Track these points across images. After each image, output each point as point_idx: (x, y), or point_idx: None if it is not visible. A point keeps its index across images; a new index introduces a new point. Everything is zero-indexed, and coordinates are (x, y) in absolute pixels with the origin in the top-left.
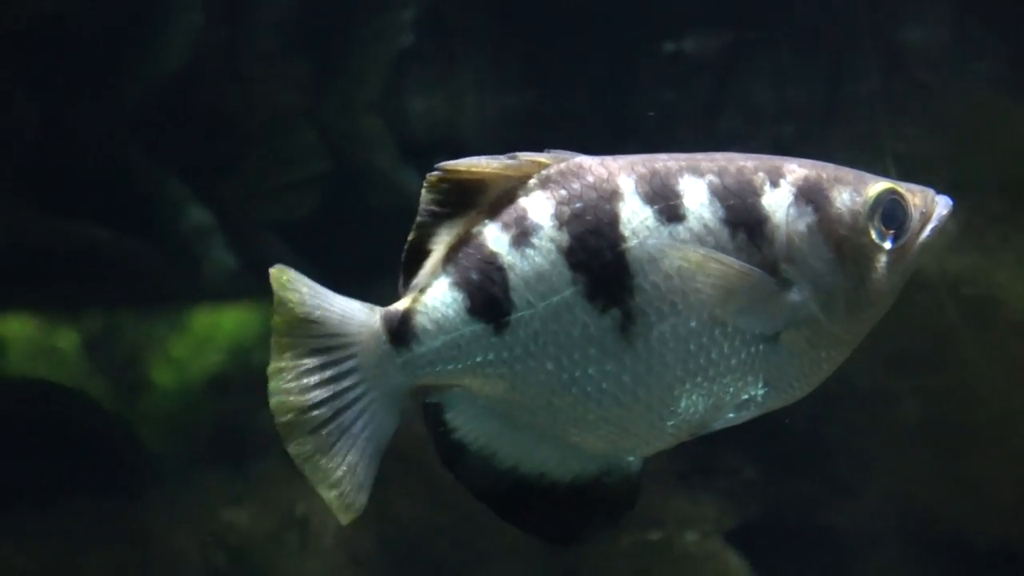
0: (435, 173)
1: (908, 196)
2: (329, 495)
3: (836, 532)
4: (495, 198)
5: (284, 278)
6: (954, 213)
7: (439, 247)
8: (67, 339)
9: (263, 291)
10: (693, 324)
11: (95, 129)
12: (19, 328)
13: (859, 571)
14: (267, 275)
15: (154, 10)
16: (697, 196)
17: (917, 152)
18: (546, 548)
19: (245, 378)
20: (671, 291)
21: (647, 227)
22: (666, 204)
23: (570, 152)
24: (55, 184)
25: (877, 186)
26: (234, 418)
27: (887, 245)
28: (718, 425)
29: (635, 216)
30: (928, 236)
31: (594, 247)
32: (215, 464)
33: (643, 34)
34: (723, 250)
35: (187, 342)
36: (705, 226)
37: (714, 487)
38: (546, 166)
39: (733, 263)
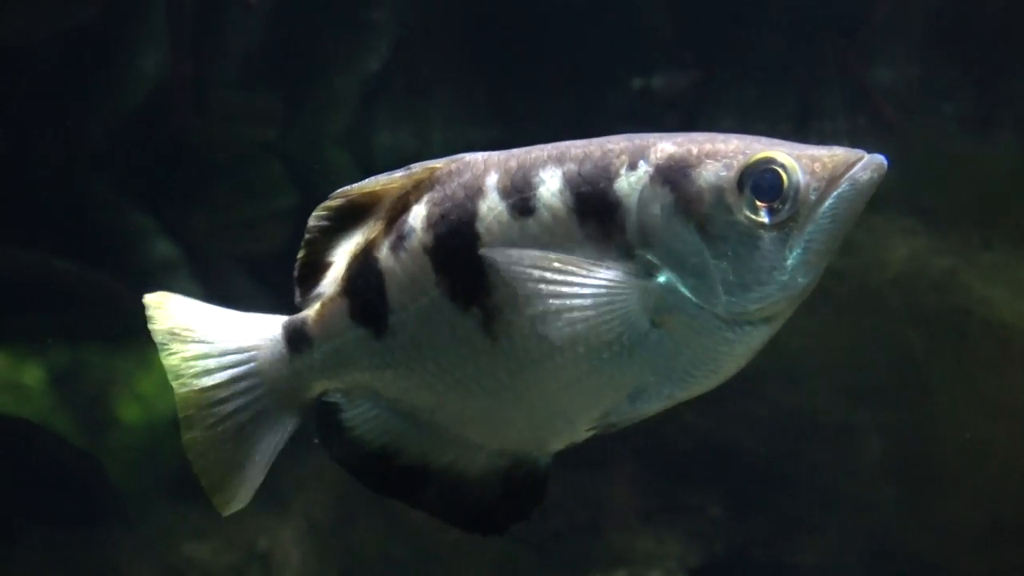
0: (333, 200)
1: (795, 162)
2: (211, 483)
3: (801, 570)
4: (394, 206)
5: (164, 305)
6: (879, 174)
7: (340, 258)
8: (33, 375)
9: None
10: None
11: (62, 162)
12: None
13: None
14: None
15: (120, 42)
16: (551, 187)
17: (886, 189)
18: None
19: None
20: (524, 287)
21: (499, 223)
22: (520, 198)
23: (468, 152)
24: (21, 217)
25: (750, 156)
26: None
27: (765, 219)
28: (624, 418)
29: (490, 212)
30: (832, 203)
31: (453, 246)
32: (179, 499)
33: (613, 70)
34: (571, 240)
35: (153, 379)
36: (554, 217)
37: (678, 525)
38: (437, 169)
39: (564, 259)
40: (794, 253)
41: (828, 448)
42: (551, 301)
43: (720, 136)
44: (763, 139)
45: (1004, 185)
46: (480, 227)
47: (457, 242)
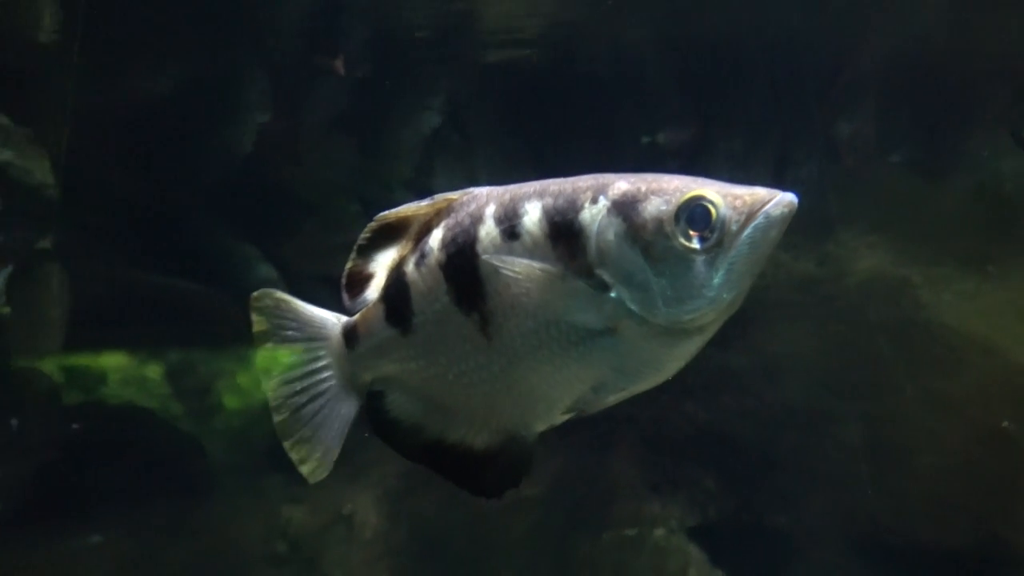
0: (373, 223)
1: (721, 199)
2: (299, 457)
3: (778, 531)
4: (420, 228)
5: (265, 300)
6: (790, 209)
7: (381, 269)
8: (154, 371)
9: None
10: (531, 323)
11: (184, 200)
12: (116, 362)
13: (796, 560)
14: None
15: (230, 105)
16: (532, 216)
17: (854, 221)
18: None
19: None
20: (510, 297)
21: (493, 244)
22: (509, 225)
23: (478, 187)
24: (150, 244)
25: (685, 194)
26: None
27: (696, 245)
28: (590, 406)
29: (487, 236)
30: (750, 233)
31: (459, 263)
32: (276, 471)
33: (628, 127)
34: (546, 260)
35: (250, 374)
36: (534, 241)
37: (679, 494)
38: (453, 200)
39: (547, 269)
40: (719, 273)
41: (802, 433)
42: (531, 290)
43: (666, 176)
44: (699, 179)
45: (950, 217)
46: (479, 248)
47: (462, 260)
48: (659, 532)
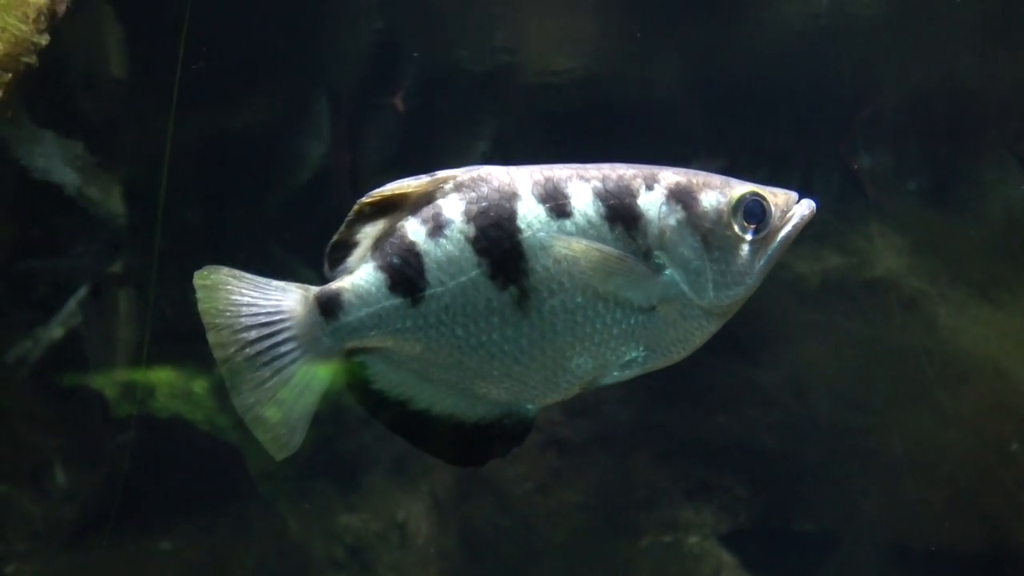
0: (366, 200)
1: (769, 197)
2: (265, 438)
3: (805, 536)
4: (416, 200)
5: (210, 276)
6: (814, 213)
7: (366, 240)
8: (200, 385)
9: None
10: (579, 299)
11: (245, 225)
12: (165, 377)
13: (822, 564)
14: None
15: (296, 137)
16: (583, 197)
17: (872, 248)
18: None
19: (335, 414)
20: (559, 273)
21: (539, 221)
22: (556, 203)
23: (482, 165)
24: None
25: (740, 189)
26: (331, 444)
27: (749, 236)
28: (607, 381)
29: (530, 212)
30: (789, 230)
31: (495, 237)
32: (320, 479)
33: (660, 157)
34: (603, 240)
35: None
36: (588, 221)
37: (712, 501)
38: (456, 176)
39: (609, 250)
40: (760, 263)
41: (826, 445)
42: (586, 269)
43: (701, 172)
44: (732, 179)
45: (964, 243)
46: (521, 223)
47: (499, 234)
48: (693, 539)
